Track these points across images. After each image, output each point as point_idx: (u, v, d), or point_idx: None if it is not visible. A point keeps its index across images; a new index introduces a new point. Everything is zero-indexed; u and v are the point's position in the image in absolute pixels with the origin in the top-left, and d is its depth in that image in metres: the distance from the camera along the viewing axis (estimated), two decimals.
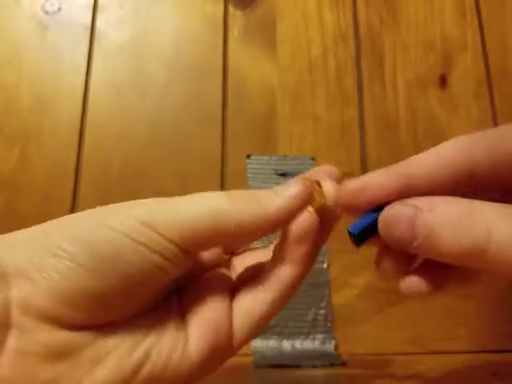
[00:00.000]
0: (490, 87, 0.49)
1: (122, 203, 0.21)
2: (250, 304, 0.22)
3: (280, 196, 0.21)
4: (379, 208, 0.21)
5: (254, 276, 0.23)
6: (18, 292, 0.19)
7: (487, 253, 0.18)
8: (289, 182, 0.22)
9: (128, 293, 0.20)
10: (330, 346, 0.40)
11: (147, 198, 0.22)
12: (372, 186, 0.21)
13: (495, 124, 0.47)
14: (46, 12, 0.50)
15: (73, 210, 0.43)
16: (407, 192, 0.21)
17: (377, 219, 0.20)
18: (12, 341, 0.19)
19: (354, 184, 0.22)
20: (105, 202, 0.45)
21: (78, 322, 0.20)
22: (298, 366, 0.38)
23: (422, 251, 0.19)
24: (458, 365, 0.38)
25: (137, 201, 0.21)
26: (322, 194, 0.23)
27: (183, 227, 0.20)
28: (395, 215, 0.20)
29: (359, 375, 0.38)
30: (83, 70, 0.48)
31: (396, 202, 0.20)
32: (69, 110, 0.47)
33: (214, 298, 0.22)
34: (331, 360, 0.39)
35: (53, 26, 0.50)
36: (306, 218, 0.21)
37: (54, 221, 0.21)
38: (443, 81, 0.49)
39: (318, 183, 0.23)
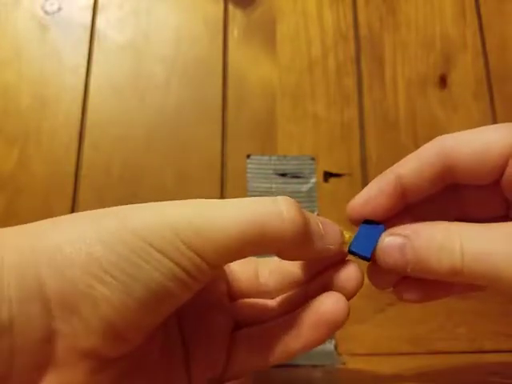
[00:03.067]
0: (489, 87, 0.49)
1: (150, 207, 0.19)
2: (247, 365, 0.23)
3: (330, 243, 0.22)
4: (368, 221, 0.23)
5: (255, 322, 0.24)
6: (65, 327, 0.17)
7: (463, 269, 0.20)
8: (331, 227, 0.22)
9: (156, 316, 0.19)
10: (329, 346, 0.40)
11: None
12: (373, 197, 0.23)
13: (495, 124, 0.47)
14: (46, 12, 0.50)
15: (73, 210, 0.43)
16: (401, 191, 0.23)
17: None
18: (52, 379, 0.17)
19: (358, 199, 0.23)
20: (105, 201, 0.45)
21: (118, 354, 0.18)
22: (297, 366, 0.38)
23: (417, 274, 0.21)
24: (458, 365, 0.38)
25: (165, 208, 0.19)
26: None
27: (220, 245, 0.19)
28: (387, 246, 0.21)
29: (359, 375, 0.38)
30: (83, 70, 0.48)
31: (386, 231, 0.22)
32: (69, 110, 0.47)
33: (217, 355, 0.23)
34: (331, 360, 0.39)
35: (53, 26, 0.50)
36: (336, 308, 0.21)
37: (82, 222, 0.19)
38: (443, 81, 0.49)
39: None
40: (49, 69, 0.48)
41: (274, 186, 0.45)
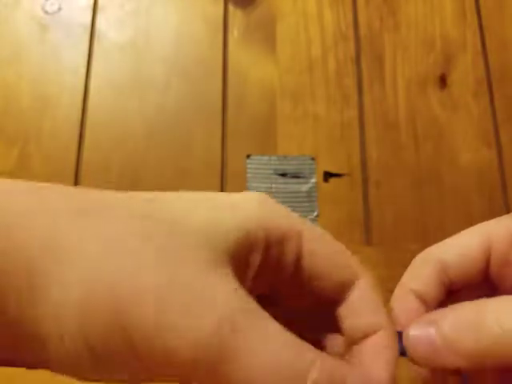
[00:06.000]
0: (490, 87, 0.49)
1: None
2: None
3: None
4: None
5: None
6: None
7: (507, 346, 0.18)
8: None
9: None
10: None
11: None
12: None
13: (495, 124, 0.47)
14: (46, 12, 0.50)
15: None
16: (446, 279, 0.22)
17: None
18: None
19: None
20: None
21: None
22: None
23: (449, 362, 0.19)
24: None
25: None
26: None
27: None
28: (414, 338, 0.20)
29: None
30: (83, 70, 0.48)
31: (411, 324, 0.20)
32: (69, 110, 0.47)
33: None
34: None
35: (53, 25, 0.50)
36: None
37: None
38: (443, 81, 0.49)
39: None
40: (49, 69, 0.48)
41: (273, 185, 0.45)
